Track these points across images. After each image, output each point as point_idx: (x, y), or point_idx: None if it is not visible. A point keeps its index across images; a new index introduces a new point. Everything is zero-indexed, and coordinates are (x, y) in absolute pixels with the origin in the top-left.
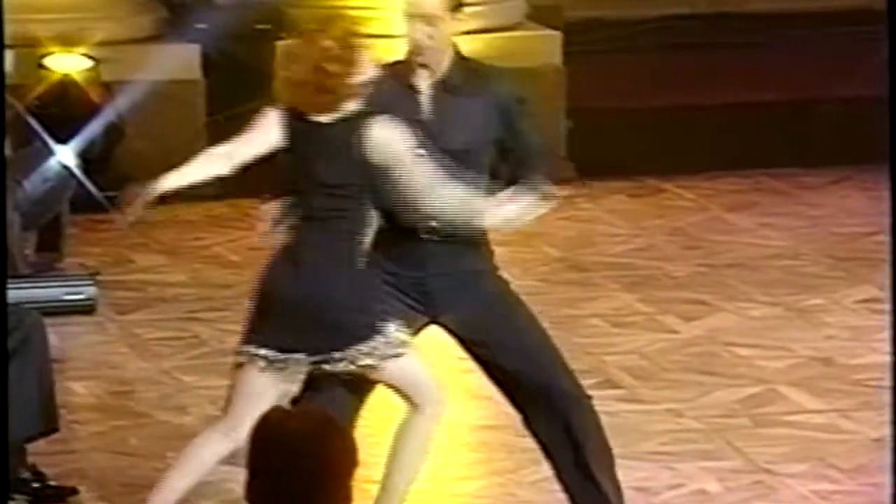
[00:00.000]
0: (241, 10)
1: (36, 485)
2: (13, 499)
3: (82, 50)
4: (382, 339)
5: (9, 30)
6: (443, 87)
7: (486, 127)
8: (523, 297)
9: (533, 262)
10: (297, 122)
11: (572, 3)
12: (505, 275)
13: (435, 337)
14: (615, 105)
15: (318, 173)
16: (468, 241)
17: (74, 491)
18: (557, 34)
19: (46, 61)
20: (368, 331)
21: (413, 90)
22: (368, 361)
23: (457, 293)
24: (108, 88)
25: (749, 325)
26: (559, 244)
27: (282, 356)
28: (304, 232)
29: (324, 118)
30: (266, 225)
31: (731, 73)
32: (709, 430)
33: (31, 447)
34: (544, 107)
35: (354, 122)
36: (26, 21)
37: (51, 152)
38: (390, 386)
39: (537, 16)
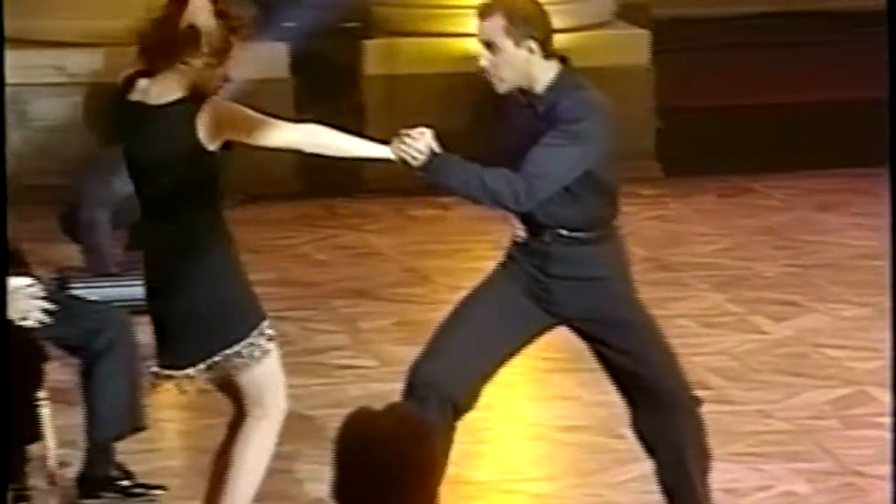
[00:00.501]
0: (328, 9)
1: (124, 483)
2: (101, 497)
3: None
4: (247, 342)
5: (97, 27)
6: (533, 110)
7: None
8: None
9: None
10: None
11: (660, 1)
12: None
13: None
14: (704, 104)
15: None
16: (592, 247)
17: (162, 489)
18: (646, 32)
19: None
20: (232, 337)
21: (520, 99)
22: (236, 362)
23: (578, 297)
24: None
25: (839, 326)
26: (647, 244)
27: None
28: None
29: None
30: None
31: (822, 70)
32: (798, 431)
33: (119, 446)
34: (633, 106)
35: None
36: (115, 19)
37: None
38: (236, 391)
39: (626, 14)
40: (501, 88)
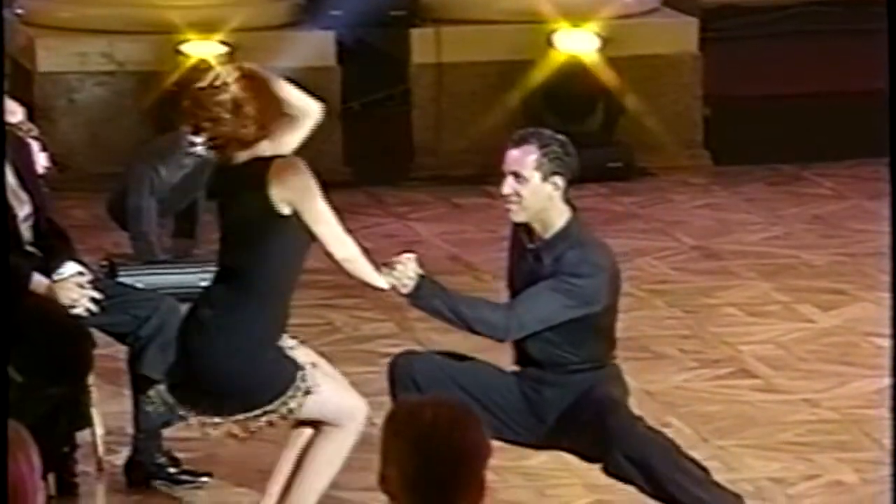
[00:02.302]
0: None
1: (171, 470)
2: (148, 483)
3: (219, 36)
4: (293, 386)
5: (145, 15)
6: (536, 255)
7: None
8: (657, 286)
9: (669, 251)
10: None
11: None
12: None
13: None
14: (753, 92)
15: None
16: (584, 375)
17: (209, 476)
18: (694, 20)
19: (183, 48)
20: (280, 387)
21: (524, 238)
22: (290, 406)
23: (567, 418)
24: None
25: (888, 315)
26: (696, 232)
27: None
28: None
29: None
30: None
31: (870, 59)
32: (846, 420)
33: (166, 433)
34: (681, 94)
35: None
36: (163, 8)
37: (187, 139)
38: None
39: (674, 2)
40: (518, 218)
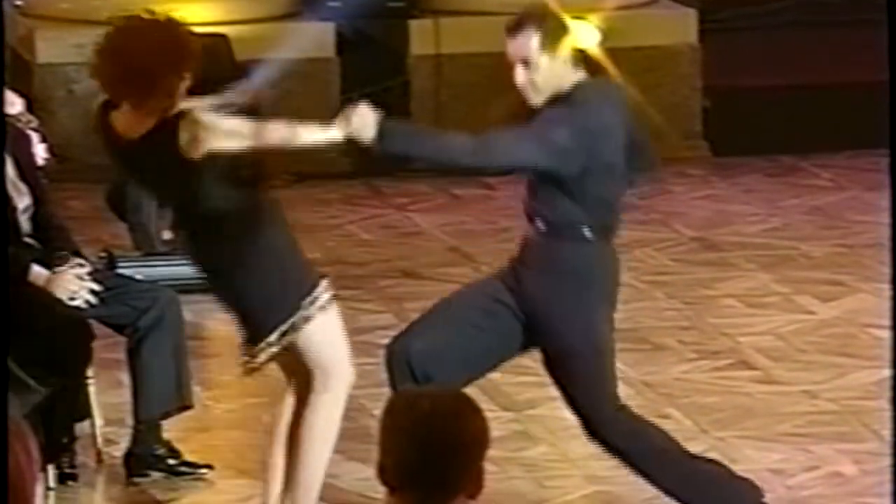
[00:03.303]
0: None
1: (171, 461)
2: (148, 475)
3: (218, 28)
4: (299, 314)
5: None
6: (538, 109)
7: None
8: (656, 277)
9: (668, 242)
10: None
11: None
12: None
13: None
14: (752, 83)
15: None
16: (568, 245)
17: (209, 467)
18: (693, 11)
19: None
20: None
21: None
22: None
23: (544, 292)
24: (244, 66)
25: (887, 306)
26: (695, 224)
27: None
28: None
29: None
30: None
31: (870, 50)
32: (845, 411)
33: (166, 424)
34: (680, 85)
35: None
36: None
37: None
38: (298, 367)
39: None
40: (537, 101)
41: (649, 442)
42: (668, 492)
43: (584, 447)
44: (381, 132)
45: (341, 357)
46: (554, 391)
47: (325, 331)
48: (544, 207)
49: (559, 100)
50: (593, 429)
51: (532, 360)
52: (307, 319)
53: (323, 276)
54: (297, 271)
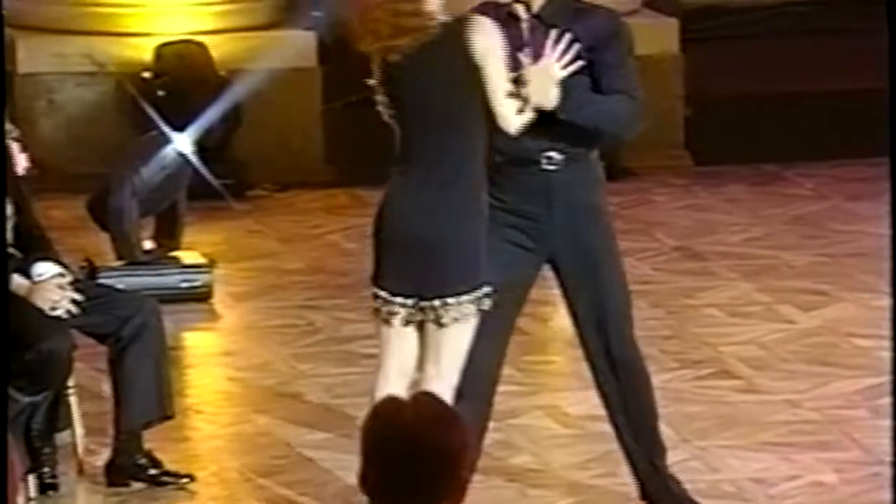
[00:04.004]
0: None
1: (152, 471)
2: (130, 485)
3: (199, 38)
4: (475, 295)
5: (126, 16)
6: (539, 20)
7: (579, 58)
8: (638, 287)
9: (650, 251)
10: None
11: None
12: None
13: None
14: (734, 92)
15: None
16: (587, 171)
17: (190, 477)
18: (675, 21)
19: (165, 49)
20: (473, 281)
21: (514, 18)
22: (454, 314)
23: (576, 227)
24: (225, 76)
25: (869, 316)
26: (677, 233)
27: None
28: (414, 172)
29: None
30: None
31: (852, 58)
32: (827, 421)
33: (147, 434)
34: (662, 94)
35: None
36: (144, 8)
37: (168, 140)
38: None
39: (654, 2)
40: (533, 3)
41: (648, 382)
42: (638, 441)
43: (567, 457)
44: (565, 98)
45: (458, 364)
46: (538, 400)
47: (463, 333)
48: (558, 142)
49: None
50: (619, 345)
51: (515, 370)
52: (458, 318)
53: None
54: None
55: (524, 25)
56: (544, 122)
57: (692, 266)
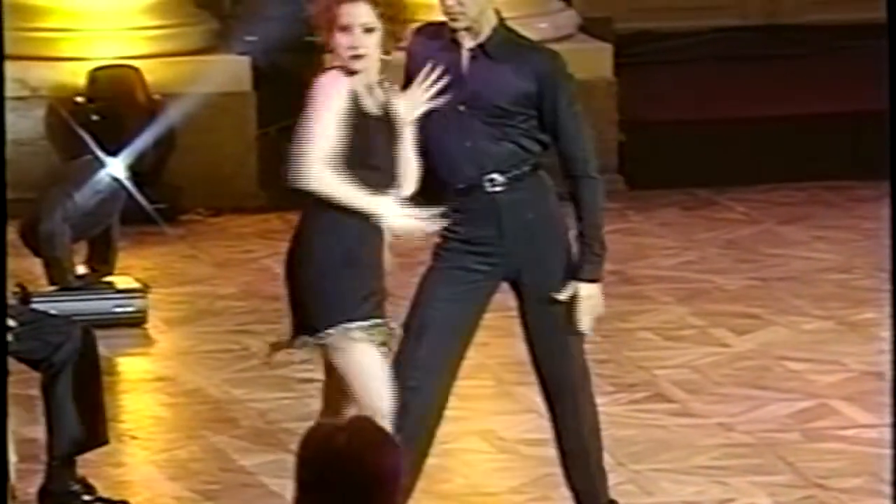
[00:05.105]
0: (291, 22)
1: (86, 497)
2: None
3: (132, 62)
4: (331, 331)
5: (60, 40)
6: (482, 50)
7: (521, 93)
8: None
9: None
10: None
11: (624, 14)
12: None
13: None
14: (667, 117)
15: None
16: (533, 186)
17: (124, 503)
18: (609, 46)
19: (98, 73)
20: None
21: (456, 45)
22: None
23: (530, 243)
24: (159, 101)
25: (801, 339)
26: (611, 257)
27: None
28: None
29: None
30: None
31: (784, 84)
32: (760, 444)
33: (80, 460)
34: (596, 119)
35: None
36: (78, 32)
37: (101, 164)
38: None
39: (589, 27)
40: (461, 25)
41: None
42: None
43: (502, 481)
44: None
45: (372, 389)
46: (472, 425)
47: (356, 361)
48: (499, 164)
49: (498, 36)
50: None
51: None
52: (334, 348)
53: None
54: (353, 289)
55: (465, 54)
56: (483, 147)
57: (626, 290)
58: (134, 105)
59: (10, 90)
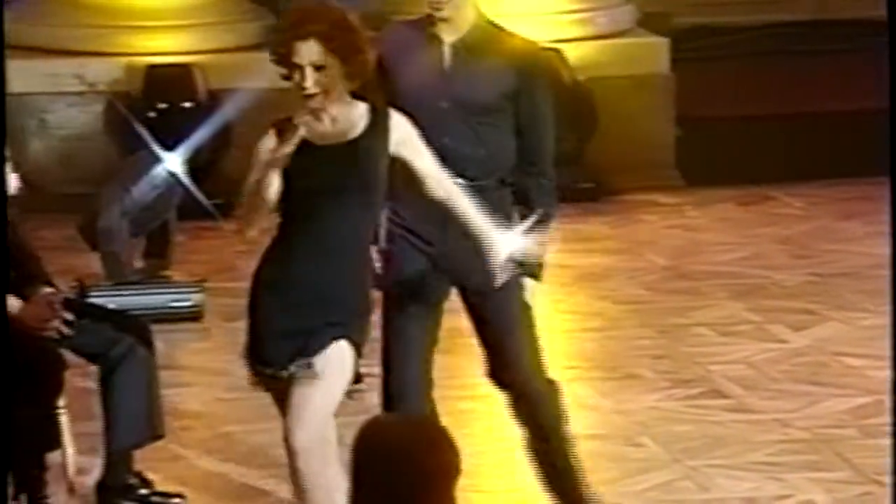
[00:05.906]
0: None
1: (142, 491)
2: None
3: (189, 58)
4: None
5: (117, 36)
6: (463, 45)
7: (502, 89)
8: (628, 306)
9: (640, 271)
10: None
11: (681, 9)
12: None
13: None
14: (724, 112)
15: None
16: (495, 201)
17: (180, 497)
18: (666, 41)
19: (155, 69)
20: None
21: (436, 40)
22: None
23: (477, 256)
24: (216, 95)
25: (858, 335)
26: (667, 253)
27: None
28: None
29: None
30: None
31: (841, 78)
32: (817, 440)
33: (137, 454)
34: (652, 115)
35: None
36: (134, 29)
37: (158, 159)
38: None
39: (646, 22)
40: (444, 14)
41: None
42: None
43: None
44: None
45: (309, 422)
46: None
47: (309, 392)
48: (472, 155)
49: (476, 33)
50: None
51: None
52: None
53: None
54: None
55: (446, 50)
56: (457, 148)
57: (682, 285)
58: (191, 100)
59: (69, 85)
